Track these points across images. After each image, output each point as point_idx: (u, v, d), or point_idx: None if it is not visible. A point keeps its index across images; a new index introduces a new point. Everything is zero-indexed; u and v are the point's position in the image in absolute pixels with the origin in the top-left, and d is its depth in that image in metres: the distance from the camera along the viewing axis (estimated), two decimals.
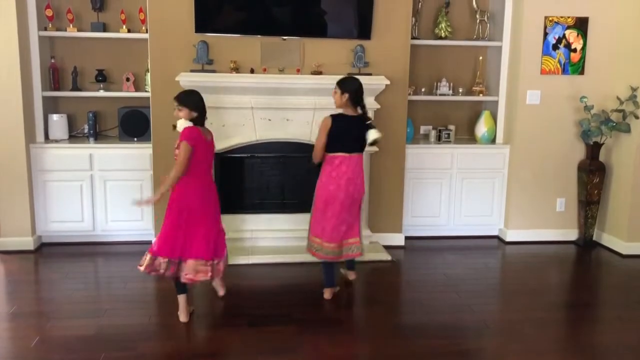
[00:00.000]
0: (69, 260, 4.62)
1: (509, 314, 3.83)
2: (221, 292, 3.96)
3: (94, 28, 4.86)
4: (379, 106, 4.74)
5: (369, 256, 4.65)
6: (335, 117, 3.79)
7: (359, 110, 3.85)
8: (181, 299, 3.59)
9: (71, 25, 4.82)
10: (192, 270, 3.49)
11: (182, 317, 3.59)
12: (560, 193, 5.27)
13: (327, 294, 3.97)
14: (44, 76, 4.86)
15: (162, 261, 3.48)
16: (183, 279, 3.51)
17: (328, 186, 3.83)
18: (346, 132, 3.80)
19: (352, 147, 3.84)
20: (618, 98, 4.94)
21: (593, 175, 5.08)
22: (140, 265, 3.52)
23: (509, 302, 4.08)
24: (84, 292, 4.04)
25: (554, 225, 5.30)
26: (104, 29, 4.90)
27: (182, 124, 3.52)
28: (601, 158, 5.14)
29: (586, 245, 5.20)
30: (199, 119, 3.56)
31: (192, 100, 3.54)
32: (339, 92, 3.81)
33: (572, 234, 5.33)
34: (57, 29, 4.85)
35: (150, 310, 3.77)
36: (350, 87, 3.80)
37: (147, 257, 3.50)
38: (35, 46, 4.73)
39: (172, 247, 3.49)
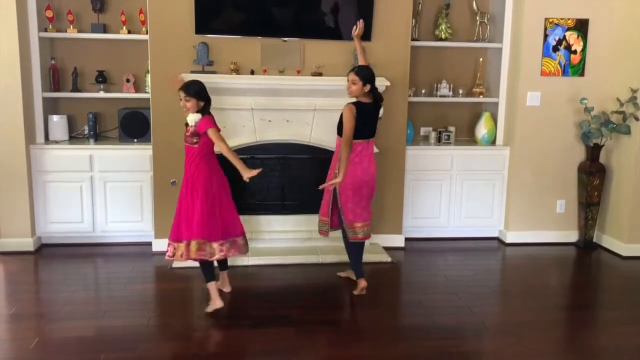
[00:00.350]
0: (68, 261, 4.62)
1: (509, 316, 3.83)
2: (227, 288, 3.99)
3: (94, 29, 4.86)
4: None
5: (369, 257, 4.65)
6: (357, 105, 3.86)
7: (371, 97, 3.96)
8: (212, 285, 3.69)
9: (71, 26, 4.82)
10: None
11: (218, 302, 3.68)
12: (561, 195, 5.27)
13: (363, 283, 4.05)
14: (44, 77, 4.86)
15: (211, 245, 3.62)
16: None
17: (355, 173, 3.92)
18: (366, 119, 3.92)
19: (369, 133, 3.99)
20: (618, 100, 4.94)
21: (593, 177, 5.08)
22: (186, 255, 3.61)
23: (509, 303, 4.08)
24: (83, 293, 4.04)
25: (554, 227, 5.30)
26: (104, 30, 4.90)
27: (194, 117, 3.59)
28: (601, 160, 5.14)
29: (586, 247, 5.19)
30: (206, 107, 3.65)
31: (198, 90, 3.61)
32: (360, 83, 3.87)
33: (572, 236, 5.32)
34: (58, 30, 4.85)
35: (149, 312, 3.76)
36: (371, 78, 3.92)
37: (193, 244, 3.58)
38: (35, 47, 4.73)
39: (213, 230, 3.63)
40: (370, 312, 3.89)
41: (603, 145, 5.08)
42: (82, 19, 4.93)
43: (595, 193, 5.11)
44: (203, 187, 3.62)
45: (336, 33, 4.75)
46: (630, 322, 3.76)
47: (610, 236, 5.16)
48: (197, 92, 3.59)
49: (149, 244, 4.84)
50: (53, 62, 4.93)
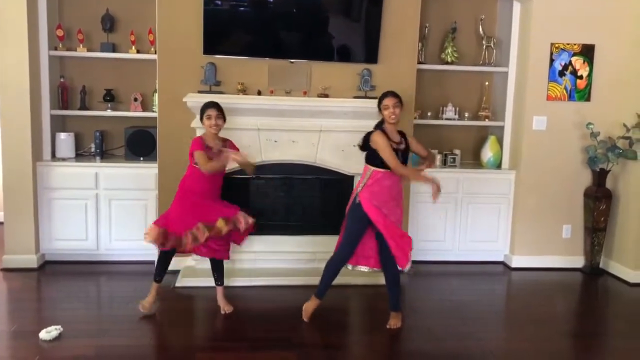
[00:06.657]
0: (71, 279, 4.60)
1: (515, 343, 3.78)
2: (227, 308, 3.97)
3: (104, 48, 4.92)
4: None
5: (371, 280, 4.61)
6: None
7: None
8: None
9: (81, 45, 4.88)
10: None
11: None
12: (567, 219, 5.23)
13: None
14: (53, 95, 4.91)
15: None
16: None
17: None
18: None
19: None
20: (624, 125, 4.93)
21: (599, 202, 5.04)
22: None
23: (514, 330, 4.02)
24: (85, 311, 4.02)
25: (560, 252, 5.25)
26: (114, 49, 4.95)
27: None
28: (608, 185, 5.11)
29: (593, 273, 5.14)
30: None
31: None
32: (400, 106, 3.79)
33: (578, 261, 5.27)
34: (68, 49, 4.91)
35: (151, 332, 3.74)
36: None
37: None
38: (45, 65, 4.78)
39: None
40: (374, 336, 3.84)
41: (609, 171, 5.05)
42: (92, 39, 4.99)
43: (602, 218, 5.07)
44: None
45: (343, 55, 4.78)
46: (636, 350, 3.70)
47: (617, 262, 5.11)
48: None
49: (152, 262, 4.81)
50: (62, 80, 4.98)
